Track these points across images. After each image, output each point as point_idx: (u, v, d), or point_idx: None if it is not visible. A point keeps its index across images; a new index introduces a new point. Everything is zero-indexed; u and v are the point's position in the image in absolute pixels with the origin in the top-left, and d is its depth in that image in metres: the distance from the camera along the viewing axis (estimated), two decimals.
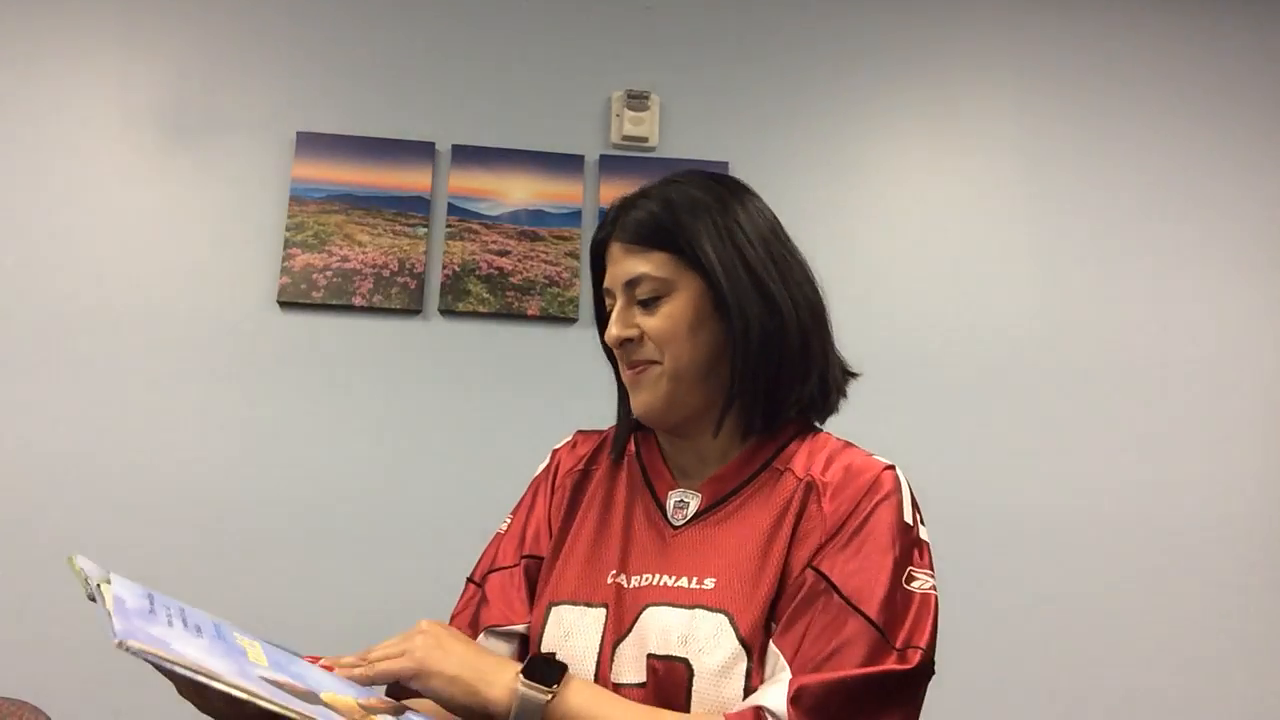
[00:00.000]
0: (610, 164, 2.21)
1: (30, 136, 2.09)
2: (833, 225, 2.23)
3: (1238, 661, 2.11)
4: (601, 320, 0.96)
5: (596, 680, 0.82)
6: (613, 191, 2.19)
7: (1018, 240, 2.29)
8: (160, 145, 2.13)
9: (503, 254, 2.14)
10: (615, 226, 0.93)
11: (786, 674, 0.74)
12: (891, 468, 0.85)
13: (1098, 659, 2.09)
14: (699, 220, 0.89)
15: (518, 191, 2.18)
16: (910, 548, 0.81)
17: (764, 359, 0.87)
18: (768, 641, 0.79)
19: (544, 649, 0.86)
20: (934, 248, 2.27)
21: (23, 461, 1.95)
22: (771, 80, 2.31)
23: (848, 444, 0.90)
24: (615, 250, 0.92)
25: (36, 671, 1.80)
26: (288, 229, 2.09)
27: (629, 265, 0.90)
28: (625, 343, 0.90)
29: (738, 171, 2.21)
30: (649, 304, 0.89)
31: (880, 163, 2.32)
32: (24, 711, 1.29)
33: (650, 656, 0.80)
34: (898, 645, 0.75)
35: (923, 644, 0.76)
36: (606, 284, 0.94)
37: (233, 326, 2.06)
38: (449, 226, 2.14)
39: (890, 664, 0.74)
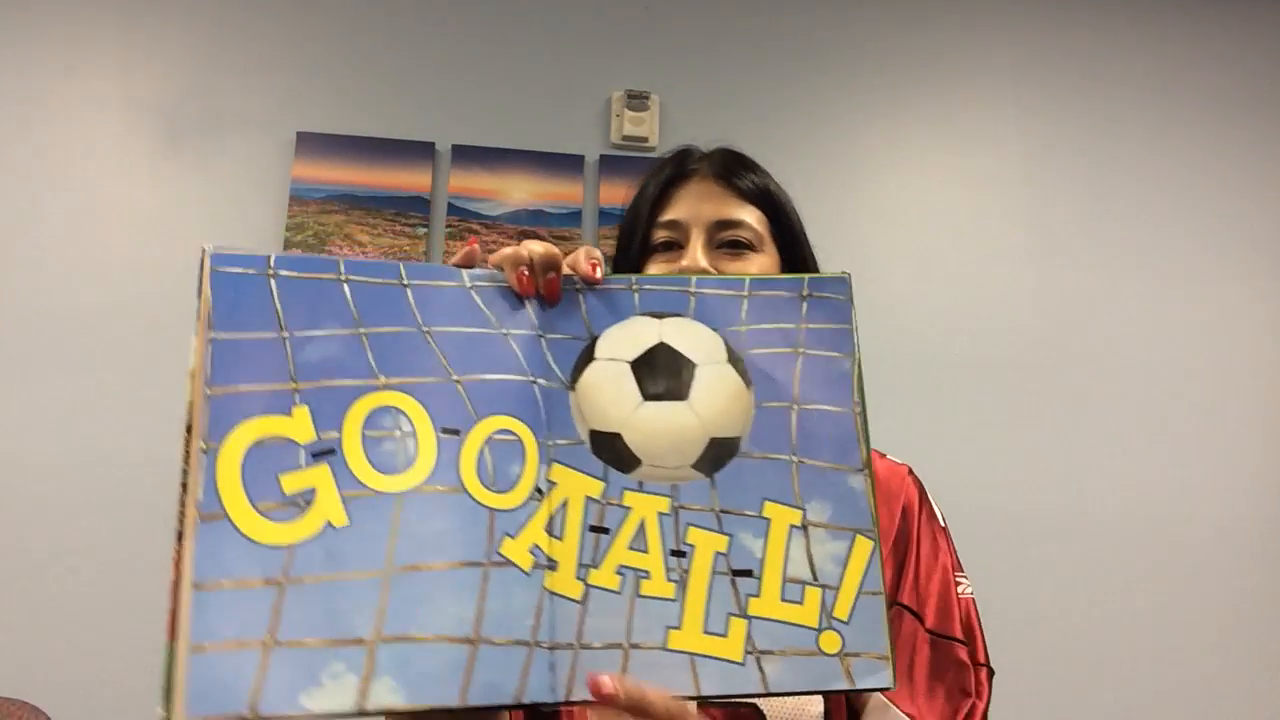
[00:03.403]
0: (610, 164, 2.21)
1: (29, 136, 2.09)
2: (832, 225, 2.23)
3: (1236, 662, 2.11)
4: (629, 262, 0.88)
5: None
6: (612, 192, 2.19)
7: (1018, 240, 2.29)
8: (160, 145, 2.13)
9: None
10: (712, 166, 0.88)
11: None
12: (910, 469, 0.89)
13: (1096, 659, 2.09)
14: (789, 201, 0.91)
15: (517, 191, 2.18)
16: (949, 548, 0.86)
17: None
18: None
19: None
20: (934, 248, 2.27)
21: (21, 461, 1.95)
22: (771, 80, 2.31)
23: None
24: (710, 186, 0.86)
25: (36, 671, 1.80)
26: (288, 229, 2.09)
27: (731, 207, 0.85)
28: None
29: None
30: (740, 250, 0.84)
31: (880, 163, 2.31)
32: (24, 712, 1.29)
33: None
34: (977, 660, 0.82)
35: (985, 659, 0.84)
36: (679, 215, 0.86)
37: None
38: (449, 226, 2.14)
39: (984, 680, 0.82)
